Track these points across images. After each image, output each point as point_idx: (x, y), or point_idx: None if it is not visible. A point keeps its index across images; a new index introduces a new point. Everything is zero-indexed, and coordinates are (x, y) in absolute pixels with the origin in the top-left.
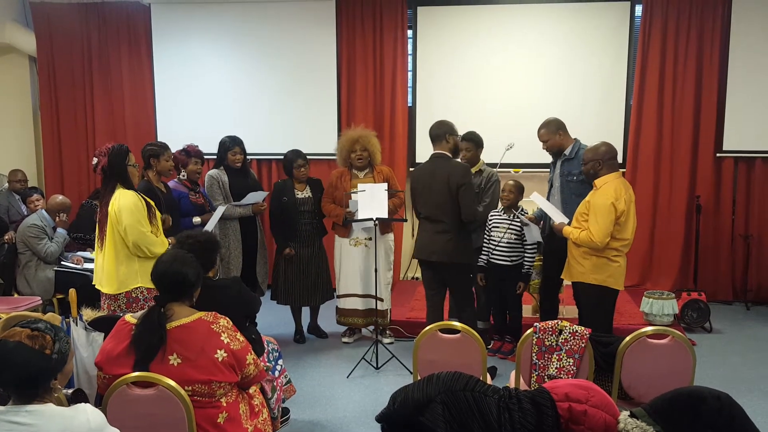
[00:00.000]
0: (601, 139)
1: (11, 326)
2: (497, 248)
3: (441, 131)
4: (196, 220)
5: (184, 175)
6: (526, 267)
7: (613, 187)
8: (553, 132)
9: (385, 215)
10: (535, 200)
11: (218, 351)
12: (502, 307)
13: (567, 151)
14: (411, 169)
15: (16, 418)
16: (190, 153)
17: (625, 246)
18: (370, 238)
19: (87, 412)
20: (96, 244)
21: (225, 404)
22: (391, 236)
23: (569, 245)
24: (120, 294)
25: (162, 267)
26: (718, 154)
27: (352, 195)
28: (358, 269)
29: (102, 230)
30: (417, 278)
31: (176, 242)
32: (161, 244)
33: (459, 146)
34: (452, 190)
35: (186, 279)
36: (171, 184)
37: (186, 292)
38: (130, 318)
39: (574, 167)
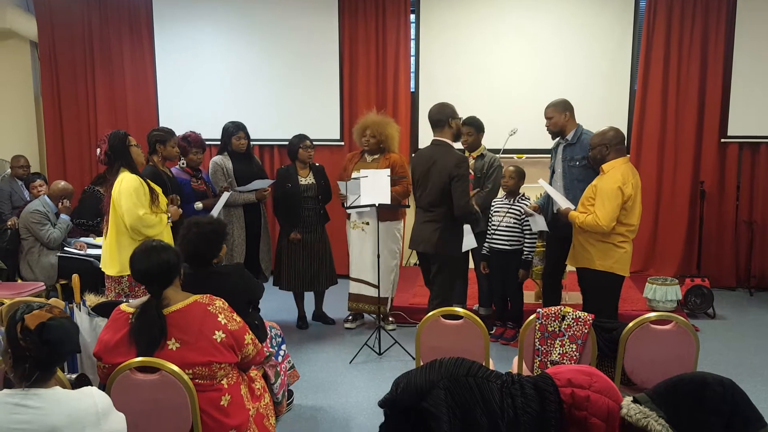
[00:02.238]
0: (605, 125)
1: (12, 312)
2: (496, 232)
3: (443, 116)
4: (198, 205)
5: (183, 163)
6: (526, 253)
7: (620, 171)
8: (560, 111)
9: (387, 201)
10: (542, 185)
11: (216, 332)
12: (503, 293)
13: (569, 136)
14: (413, 155)
15: (25, 402)
16: (191, 142)
17: (631, 232)
18: (367, 223)
19: (94, 395)
20: (104, 229)
21: (226, 386)
22: (398, 224)
23: (575, 231)
24: (123, 277)
25: (141, 264)
26: (722, 140)
27: (352, 179)
28: (357, 253)
29: (107, 214)
30: (417, 264)
31: (182, 229)
32: (158, 223)
33: (461, 130)
34: (445, 181)
35: (170, 264)
36: (173, 170)
37: (173, 275)
38: (126, 307)
39: (577, 152)
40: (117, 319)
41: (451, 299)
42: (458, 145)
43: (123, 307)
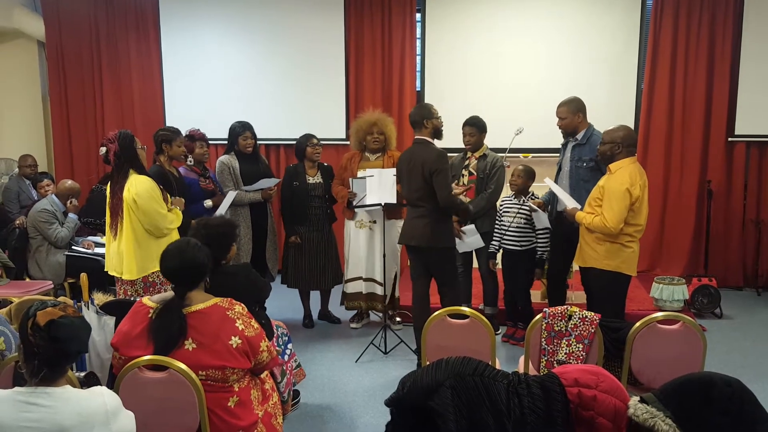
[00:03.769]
0: (612, 124)
1: (26, 309)
2: (507, 233)
3: (419, 117)
4: (208, 203)
5: (191, 161)
6: (539, 253)
7: (627, 172)
8: (573, 112)
9: (393, 200)
10: (548, 184)
11: (233, 337)
12: (514, 293)
13: (579, 136)
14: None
15: (36, 400)
16: (194, 137)
17: (638, 231)
18: (375, 221)
19: (103, 394)
20: (107, 231)
21: (237, 389)
22: (401, 222)
23: (582, 230)
24: (137, 279)
25: (173, 262)
26: (729, 139)
27: (358, 177)
28: (363, 252)
29: (115, 217)
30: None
31: (191, 230)
32: (176, 219)
33: (439, 129)
34: (426, 176)
35: (200, 265)
36: (181, 170)
37: (202, 277)
38: (148, 301)
39: (585, 153)
40: (138, 312)
41: (458, 286)
42: (456, 144)
43: (145, 300)
